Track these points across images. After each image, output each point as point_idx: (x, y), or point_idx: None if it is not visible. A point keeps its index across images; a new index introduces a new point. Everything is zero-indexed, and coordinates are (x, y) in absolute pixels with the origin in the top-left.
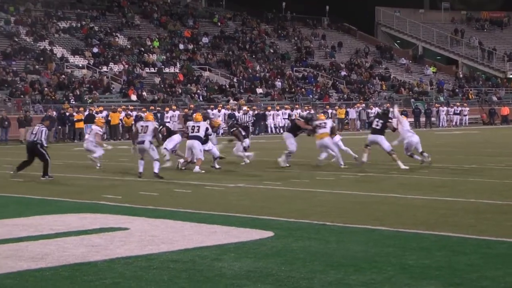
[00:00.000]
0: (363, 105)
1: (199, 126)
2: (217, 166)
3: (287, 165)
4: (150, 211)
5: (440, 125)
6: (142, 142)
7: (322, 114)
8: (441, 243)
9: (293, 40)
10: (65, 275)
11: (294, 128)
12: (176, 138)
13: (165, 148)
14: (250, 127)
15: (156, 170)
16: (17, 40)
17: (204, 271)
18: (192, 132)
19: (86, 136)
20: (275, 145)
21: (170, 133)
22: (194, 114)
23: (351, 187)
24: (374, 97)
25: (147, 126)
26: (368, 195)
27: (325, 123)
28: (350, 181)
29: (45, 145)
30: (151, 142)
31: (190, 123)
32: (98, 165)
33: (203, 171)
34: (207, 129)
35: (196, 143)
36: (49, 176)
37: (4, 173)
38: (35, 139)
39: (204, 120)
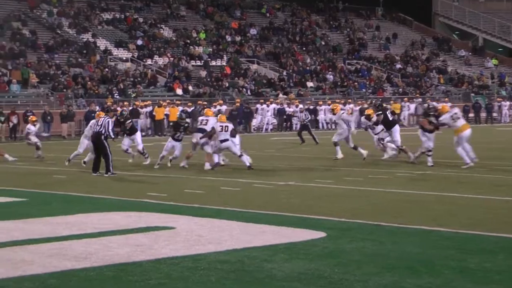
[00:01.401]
0: (420, 99)
1: (207, 120)
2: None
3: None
4: (196, 210)
5: (502, 121)
6: (226, 140)
7: (445, 105)
8: (501, 245)
9: (345, 32)
10: (110, 275)
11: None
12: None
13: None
14: (309, 124)
15: (248, 163)
16: (59, 32)
17: (253, 273)
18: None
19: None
20: (327, 141)
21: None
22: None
23: (406, 186)
24: (431, 91)
25: (227, 126)
26: (424, 194)
27: (455, 113)
28: (405, 180)
29: (112, 136)
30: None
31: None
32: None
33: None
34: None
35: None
36: (111, 173)
37: (46, 169)
38: (100, 130)
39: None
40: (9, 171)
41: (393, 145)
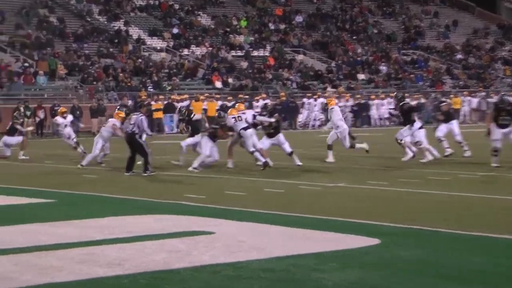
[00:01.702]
0: (483, 93)
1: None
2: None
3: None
4: (238, 213)
5: None
6: (247, 128)
7: None
8: None
9: (400, 19)
10: (145, 283)
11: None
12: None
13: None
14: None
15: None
16: (89, 20)
17: (301, 282)
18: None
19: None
20: (380, 139)
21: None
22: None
23: (469, 188)
24: (495, 84)
25: (240, 116)
26: (490, 198)
27: None
28: (468, 182)
29: (149, 134)
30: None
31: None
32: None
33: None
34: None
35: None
36: (150, 172)
37: (75, 168)
38: (133, 129)
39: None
40: (36, 170)
41: (428, 154)
